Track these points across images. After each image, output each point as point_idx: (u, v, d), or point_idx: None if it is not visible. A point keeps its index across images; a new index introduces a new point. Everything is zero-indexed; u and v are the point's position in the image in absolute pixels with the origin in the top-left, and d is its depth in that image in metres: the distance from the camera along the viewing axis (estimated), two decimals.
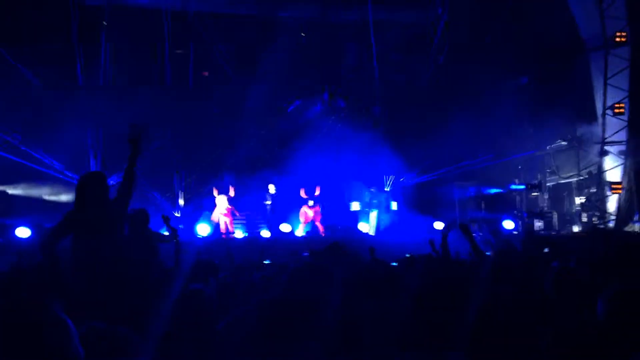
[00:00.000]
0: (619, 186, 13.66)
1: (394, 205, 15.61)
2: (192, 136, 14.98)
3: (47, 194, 14.57)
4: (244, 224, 15.29)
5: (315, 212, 14.94)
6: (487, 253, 9.61)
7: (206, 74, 14.95)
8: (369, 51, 14.48)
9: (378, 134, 15.18)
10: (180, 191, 15.23)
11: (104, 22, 13.58)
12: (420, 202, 15.70)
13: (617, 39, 13.26)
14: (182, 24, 14.16)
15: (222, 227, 14.45)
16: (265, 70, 14.44)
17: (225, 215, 14.49)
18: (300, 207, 14.89)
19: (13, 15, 12.42)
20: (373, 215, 15.21)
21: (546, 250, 6.69)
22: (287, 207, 15.16)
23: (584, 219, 14.52)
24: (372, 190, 15.57)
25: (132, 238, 6.02)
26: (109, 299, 4.07)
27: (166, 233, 6.34)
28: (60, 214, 4.62)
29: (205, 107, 14.92)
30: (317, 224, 14.83)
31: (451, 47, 14.37)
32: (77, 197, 4.63)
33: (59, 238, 4.49)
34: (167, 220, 5.97)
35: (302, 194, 14.93)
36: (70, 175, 14.09)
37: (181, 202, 15.13)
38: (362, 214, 15.38)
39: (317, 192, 14.96)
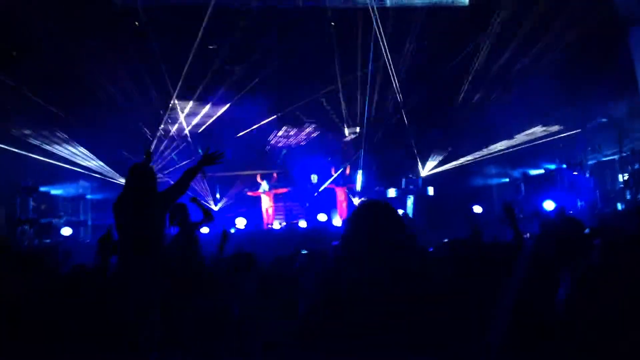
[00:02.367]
0: None
1: (430, 191, 15.51)
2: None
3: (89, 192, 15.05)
4: (282, 215, 15.56)
5: (344, 193, 15.11)
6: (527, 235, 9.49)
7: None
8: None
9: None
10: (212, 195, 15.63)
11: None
12: (458, 187, 15.61)
13: None
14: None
15: (265, 217, 14.81)
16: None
17: (269, 203, 14.86)
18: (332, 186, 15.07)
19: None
20: (410, 201, 15.18)
21: (587, 231, 6.50)
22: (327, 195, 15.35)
23: (628, 197, 14.15)
24: (410, 176, 15.53)
25: (176, 233, 6.19)
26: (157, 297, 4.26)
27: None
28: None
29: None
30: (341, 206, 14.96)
31: (481, 24, 14.10)
32: (126, 184, 4.94)
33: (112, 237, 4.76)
34: (196, 202, 6.06)
35: (332, 172, 15.18)
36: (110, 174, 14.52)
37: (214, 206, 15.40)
38: (399, 201, 15.36)
39: (348, 171, 15.13)
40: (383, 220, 2.30)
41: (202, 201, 11.45)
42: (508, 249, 5.61)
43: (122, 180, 14.51)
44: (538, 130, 15.35)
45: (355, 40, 14.47)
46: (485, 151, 15.65)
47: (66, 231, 12.88)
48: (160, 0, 13.37)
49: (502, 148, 15.51)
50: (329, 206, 15.08)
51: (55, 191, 14.44)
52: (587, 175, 15.22)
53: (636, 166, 14.25)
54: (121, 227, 4.75)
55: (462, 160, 15.78)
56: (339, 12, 14.31)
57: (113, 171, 14.66)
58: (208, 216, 6.31)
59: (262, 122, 15.89)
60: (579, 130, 15.14)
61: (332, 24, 14.42)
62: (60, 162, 13.78)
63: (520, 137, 15.42)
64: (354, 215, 2.39)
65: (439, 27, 13.75)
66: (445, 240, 6.97)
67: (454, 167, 15.85)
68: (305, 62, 14.52)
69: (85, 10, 12.35)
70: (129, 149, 13.73)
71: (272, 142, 16.80)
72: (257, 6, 13.34)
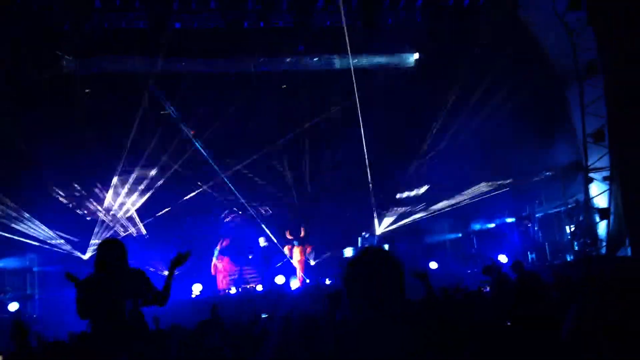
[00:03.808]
0: (607, 212, 13.74)
1: (385, 248, 15.58)
2: None
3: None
4: (235, 279, 15.29)
5: (302, 253, 15.01)
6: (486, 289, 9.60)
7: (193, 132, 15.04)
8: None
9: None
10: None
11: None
12: (413, 243, 15.80)
13: (590, 69, 13.57)
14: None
15: (219, 282, 14.50)
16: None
17: (222, 268, 14.61)
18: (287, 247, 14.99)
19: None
20: None
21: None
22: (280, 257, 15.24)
23: (576, 248, 14.55)
24: (365, 235, 15.60)
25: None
26: None
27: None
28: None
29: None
30: (298, 271, 14.86)
31: (427, 83, 14.65)
32: (97, 260, 4.83)
33: (85, 305, 4.67)
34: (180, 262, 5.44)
35: (288, 235, 15.08)
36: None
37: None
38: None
39: (302, 233, 15.05)
40: (385, 268, 2.31)
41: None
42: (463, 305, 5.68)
43: (73, 251, 14.23)
44: (485, 185, 15.73)
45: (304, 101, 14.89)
46: (437, 206, 15.92)
47: (13, 307, 12.27)
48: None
49: (453, 203, 15.81)
50: (283, 268, 14.96)
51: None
52: (536, 228, 15.64)
53: (581, 217, 14.74)
54: (92, 306, 4.65)
55: (416, 217, 15.99)
56: (289, 75, 14.75)
57: (62, 241, 14.23)
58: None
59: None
60: (526, 183, 15.57)
61: (284, 86, 14.80)
62: (5, 232, 13.31)
63: (468, 192, 15.77)
64: (357, 260, 2.38)
65: (388, 86, 14.27)
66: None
67: (408, 224, 16.02)
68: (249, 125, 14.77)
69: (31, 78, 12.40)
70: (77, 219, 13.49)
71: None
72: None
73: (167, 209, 15.05)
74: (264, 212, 15.95)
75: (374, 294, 2.24)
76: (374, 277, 2.26)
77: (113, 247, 4.89)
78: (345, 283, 2.29)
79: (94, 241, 14.42)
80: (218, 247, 14.79)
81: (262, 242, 15.16)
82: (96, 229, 14.68)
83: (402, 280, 2.29)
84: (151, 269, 11.71)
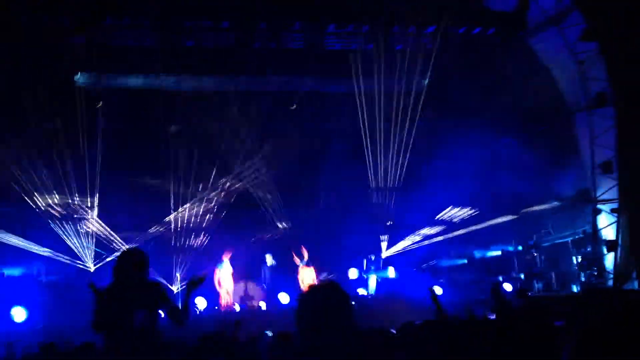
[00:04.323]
0: (615, 244, 13.67)
1: (391, 272, 15.54)
2: None
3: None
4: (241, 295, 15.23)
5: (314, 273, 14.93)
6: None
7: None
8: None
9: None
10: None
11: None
12: (417, 268, 15.76)
13: (599, 100, 13.61)
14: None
15: (222, 297, 14.35)
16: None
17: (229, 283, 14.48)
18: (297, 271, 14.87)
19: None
20: (372, 279, 15.22)
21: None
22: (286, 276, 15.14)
23: (583, 279, 14.47)
24: (371, 257, 15.57)
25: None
26: None
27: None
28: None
29: None
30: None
31: (434, 110, 14.71)
32: (115, 269, 4.85)
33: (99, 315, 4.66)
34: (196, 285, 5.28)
35: (295, 259, 14.99)
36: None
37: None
38: (361, 281, 15.37)
39: (306, 255, 14.93)
40: (329, 304, 2.38)
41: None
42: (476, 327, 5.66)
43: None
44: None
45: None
46: (443, 231, 15.89)
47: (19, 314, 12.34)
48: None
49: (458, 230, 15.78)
50: (288, 286, 14.86)
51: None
52: (542, 257, 15.57)
53: (588, 248, 14.67)
54: (105, 316, 4.65)
55: (422, 242, 15.94)
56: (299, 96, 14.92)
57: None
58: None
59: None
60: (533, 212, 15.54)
61: (293, 107, 14.96)
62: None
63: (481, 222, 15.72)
64: (303, 298, 2.47)
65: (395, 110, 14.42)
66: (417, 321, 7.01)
67: (414, 249, 15.97)
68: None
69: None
70: None
71: None
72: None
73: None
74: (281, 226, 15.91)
75: (322, 324, 2.32)
76: (322, 309, 2.35)
77: (133, 257, 4.89)
78: (296, 316, 2.37)
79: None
80: (224, 258, 14.59)
81: (269, 260, 15.06)
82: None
83: (350, 311, 2.37)
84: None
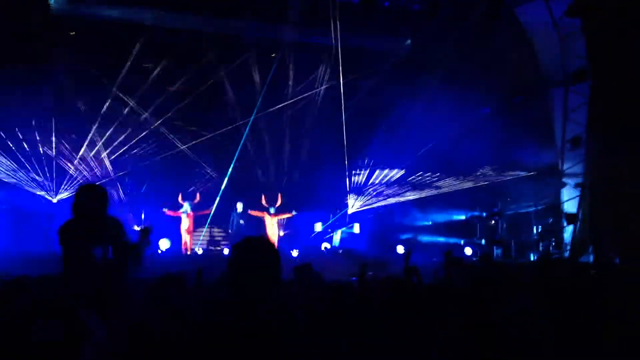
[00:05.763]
0: (575, 218, 14.01)
1: (356, 228, 15.74)
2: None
3: None
4: (206, 240, 15.29)
5: (278, 225, 15.00)
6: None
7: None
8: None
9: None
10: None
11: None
12: (382, 226, 15.95)
13: (577, 76, 13.70)
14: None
15: (183, 239, 14.36)
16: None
17: (187, 231, 14.42)
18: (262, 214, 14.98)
19: None
20: (337, 233, 15.42)
21: None
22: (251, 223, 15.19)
23: (541, 248, 14.87)
24: (337, 211, 15.73)
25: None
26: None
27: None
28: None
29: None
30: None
31: (415, 75, 14.68)
32: (75, 206, 4.69)
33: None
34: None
35: (263, 201, 15.00)
36: None
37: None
38: (326, 235, 15.56)
39: (279, 202, 14.99)
40: (257, 258, 2.49)
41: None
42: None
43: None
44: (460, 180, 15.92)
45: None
46: (410, 195, 16.07)
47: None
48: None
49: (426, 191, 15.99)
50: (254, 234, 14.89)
51: None
52: (504, 225, 15.91)
53: (550, 220, 15.04)
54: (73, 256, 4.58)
55: (389, 200, 16.12)
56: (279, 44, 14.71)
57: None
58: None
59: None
60: (500, 181, 15.77)
61: (273, 55, 14.75)
62: None
63: (446, 183, 15.94)
64: (236, 248, 2.55)
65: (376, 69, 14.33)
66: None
67: (380, 207, 16.15)
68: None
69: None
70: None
71: None
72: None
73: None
74: None
75: (251, 278, 2.44)
76: (253, 263, 2.47)
77: (93, 193, 4.79)
78: (228, 265, 2.48)
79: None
80: (189, 202, 14.55)
81: (239, 207, 15.04)
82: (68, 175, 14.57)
83: (278, 270, 2.50)
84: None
